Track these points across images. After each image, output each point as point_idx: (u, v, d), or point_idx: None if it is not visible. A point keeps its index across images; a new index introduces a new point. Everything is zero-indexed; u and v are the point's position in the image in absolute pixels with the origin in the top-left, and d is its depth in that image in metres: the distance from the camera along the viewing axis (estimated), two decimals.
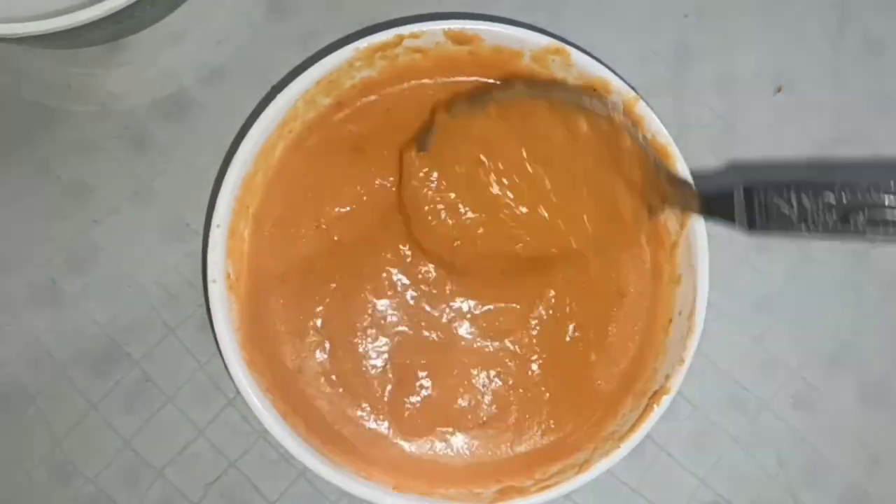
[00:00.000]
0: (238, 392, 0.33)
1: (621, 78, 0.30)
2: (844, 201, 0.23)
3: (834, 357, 0.35)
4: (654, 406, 0.29)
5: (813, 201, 0.23)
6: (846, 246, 0.35)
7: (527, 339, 0.32)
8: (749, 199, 0.25)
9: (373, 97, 0.32)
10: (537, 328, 0.32)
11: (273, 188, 0.32)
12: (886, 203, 0.22)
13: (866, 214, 0.23)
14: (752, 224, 0.25)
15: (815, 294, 0.35)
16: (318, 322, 0.32)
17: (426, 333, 0.32)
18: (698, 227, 0.30)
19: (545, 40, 0.30)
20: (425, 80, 0.32)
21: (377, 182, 0.32)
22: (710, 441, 0.34)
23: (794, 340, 0.35)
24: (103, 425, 0.34)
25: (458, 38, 0.30)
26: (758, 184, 0.25)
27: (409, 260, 0.32)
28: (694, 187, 0.29)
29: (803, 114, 0.36)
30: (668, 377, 0.30)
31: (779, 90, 0.36)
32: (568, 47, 0.30)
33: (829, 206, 0.23)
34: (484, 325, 0.32)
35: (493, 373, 0.32)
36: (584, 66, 0.30)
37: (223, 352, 0.29)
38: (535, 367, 0.32)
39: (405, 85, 0.32)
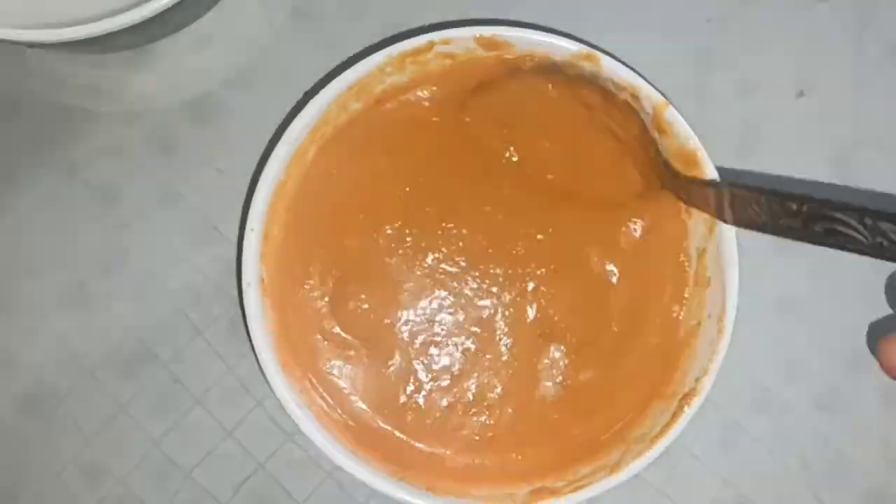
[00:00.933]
0: (268, 394, 0.34)
1: (651, 84, 0.30)
2: (805, 210, 0.26)
3: (856, 358, 0.35)
4: (685, 408, 0.30)
5: (779, 207, 0.26)
6: None
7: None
8: (724, 196, 0.28)
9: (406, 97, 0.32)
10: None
11: (302, 192, 0.32)
12: (838, 217, 0.25)
13: (823, 225, 0.26)
14: (723, 218, 0.29)
15: (837, 295, 0.35)
16: (345, 331, 0.32)
17: (455, 346, 0.32)
18: (727, 231, 0.30)
19: (576, 46, 0.30)
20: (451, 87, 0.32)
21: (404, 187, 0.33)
22: (734, 442, 0.34)
23: (816, 342, 0.35)
24: (132, 427, 0.34)
25: (489, 45, 0.30)
26: (737, 184, 0.29)
27: (435, 266, 0.32)
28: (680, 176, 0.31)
29: (825, 118, 0.36)
30: (697, 380, 0.30)
31: (801, 94, 0.36)
32: (598, 53, 0.30)
33: (792, 212, 0.26)
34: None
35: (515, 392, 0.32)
36: (614, 72, 0.30)
37: (258, 355, 0.30)
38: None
39: (435, 88, 0.32)
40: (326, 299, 0.32)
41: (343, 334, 0.32)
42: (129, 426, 0.34)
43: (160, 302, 0.34)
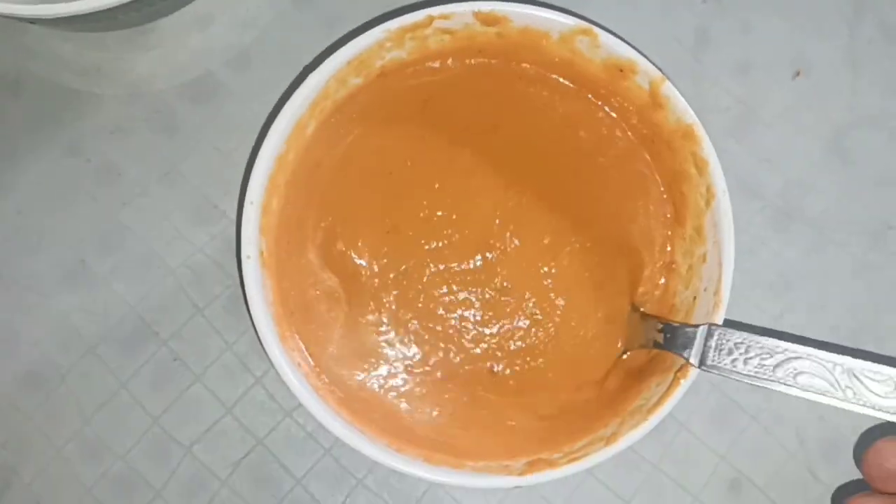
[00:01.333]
0: (267, 370, 0.34)
1: (647, 59, 0.31)
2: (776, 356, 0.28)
3: (852, 336, 0.35)
4: (681, 380, 0.30)
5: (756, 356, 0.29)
6: (863, 227, 0.36)
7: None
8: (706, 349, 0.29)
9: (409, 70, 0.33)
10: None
11: (302, 165, 0.32)
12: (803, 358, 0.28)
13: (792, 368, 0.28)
14: (703, 365, 0.29)
15: (832, 274, 0.36)
16: (343, 300, 0.33)
17: (445, 320, 0.33)
18: (723, 204, 0.30)
19: (573, 21, 0.30)
20: (451, 61, 0.33)
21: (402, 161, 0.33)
22: (730, 418, 0.35)
23: (812, 319, 0.35)
24: (132, 403, 0.34)
25: (487, 20, 0.31)
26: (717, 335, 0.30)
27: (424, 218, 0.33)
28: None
29: (820, 98, 0.36)
30: None
31: (797, 75, 0.36)
32: (596, 28, 0.30)
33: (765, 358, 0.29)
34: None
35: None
36: (611, 47, 0.30)
37: (257, 326, 0.30)
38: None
39: (436, 63, 0.32)
40: (324, 257, 0.32)
41: (336, 309, 0.32)
42: (129, 403, 0.34)
43: (160, 279, 0.35)
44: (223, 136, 0.35)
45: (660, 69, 0.31)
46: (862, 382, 0.28)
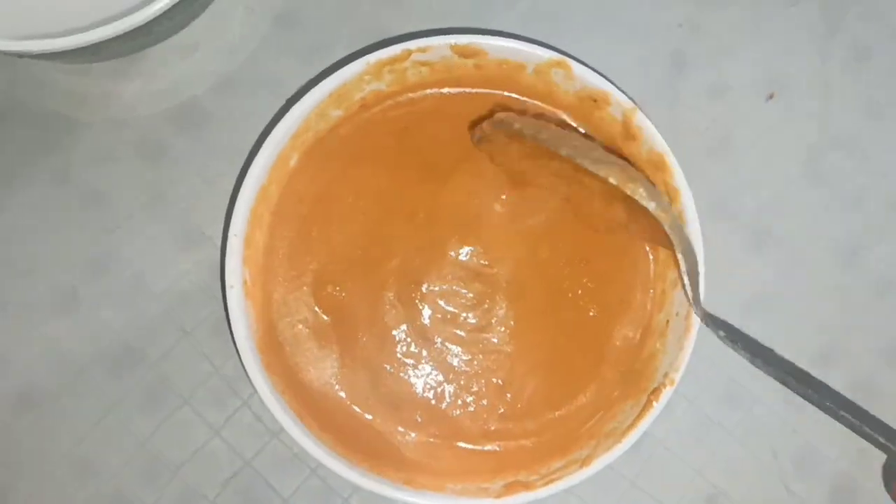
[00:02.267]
0: (253, 393, 0.35)
1: (620, 89, 0.31)
2: None
3: (823, 354, 0.36)
4: (654, 402, 0.31)
5: None
6: (836, 249, 0.36)
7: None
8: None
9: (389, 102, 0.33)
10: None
11: (285, 196, 0.33)
12: None
13: None
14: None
15: (805, 295, 0.36)
16: (324, 313, 0.33)
17: (429, 347, 0.33)
18: (694, 231, 0.31)
19: (548, 54, 0.31)
20: (430, 91, 0.33)
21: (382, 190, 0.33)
22: (706, 435, 0.35)
23: (785, 339, 0.36)
24: (122, 426, 0.35)
25: (464, 52, 0.31)
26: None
27: (412, 268, 0.33)
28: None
29: (794, 120, 0.37)
30: (666, 374, 0.31)
31: (771, 97, 0.37)
32: (569, 60, 0.31)
33: None
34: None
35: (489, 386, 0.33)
36: (585, 79, 0.31)
37: (241, 354, 0.31)
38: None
39: (417, 94, 0.33)
40: (306, 288, 0.33)
41: (322, 316, 0.33)
42: (118, 425, 0.35)
43: (148, 304, 0.35)
44: (209, 163, 0.36)
45: (632, 99, 0.31)
46: None
